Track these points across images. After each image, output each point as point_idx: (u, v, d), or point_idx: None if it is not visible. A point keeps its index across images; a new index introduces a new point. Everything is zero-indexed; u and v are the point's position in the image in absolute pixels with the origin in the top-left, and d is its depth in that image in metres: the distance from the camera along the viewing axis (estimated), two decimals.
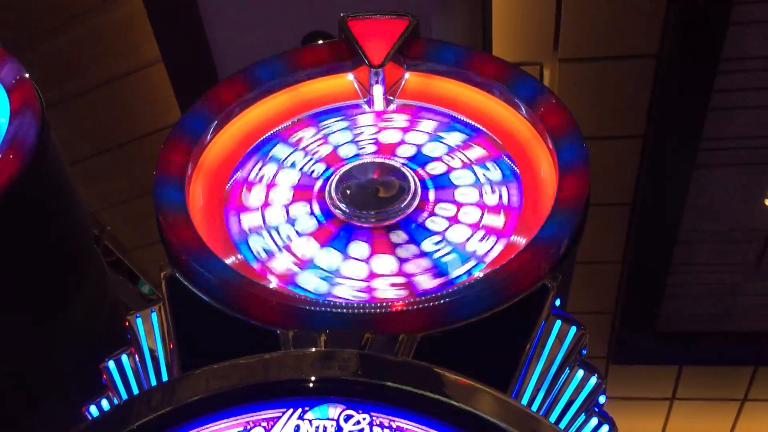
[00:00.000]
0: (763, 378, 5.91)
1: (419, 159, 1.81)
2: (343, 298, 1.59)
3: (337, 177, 1.75)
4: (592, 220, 1.67)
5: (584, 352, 1.50)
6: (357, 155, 1.83)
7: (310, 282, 1.62)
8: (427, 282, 1.61)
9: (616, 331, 5.56)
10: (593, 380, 1.46)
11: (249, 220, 1.74)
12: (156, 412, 1.39)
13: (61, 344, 2.07)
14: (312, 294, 1.59)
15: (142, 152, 4.60)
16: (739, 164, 4.57)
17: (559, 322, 1.48)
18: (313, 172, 1.81)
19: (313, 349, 1.44)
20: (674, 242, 4.87)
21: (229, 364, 1.42)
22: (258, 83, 1.91)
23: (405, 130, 1.88)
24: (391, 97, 1.91)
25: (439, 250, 1.66)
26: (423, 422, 1.36)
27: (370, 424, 1.36)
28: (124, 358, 1.56)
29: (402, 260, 1.65)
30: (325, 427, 1.36)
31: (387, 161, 1.78)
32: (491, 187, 1.74)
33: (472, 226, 1.69)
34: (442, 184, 1.76)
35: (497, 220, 1.69)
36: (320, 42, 2.00)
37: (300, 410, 1.38)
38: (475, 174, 1.77)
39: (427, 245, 1.66)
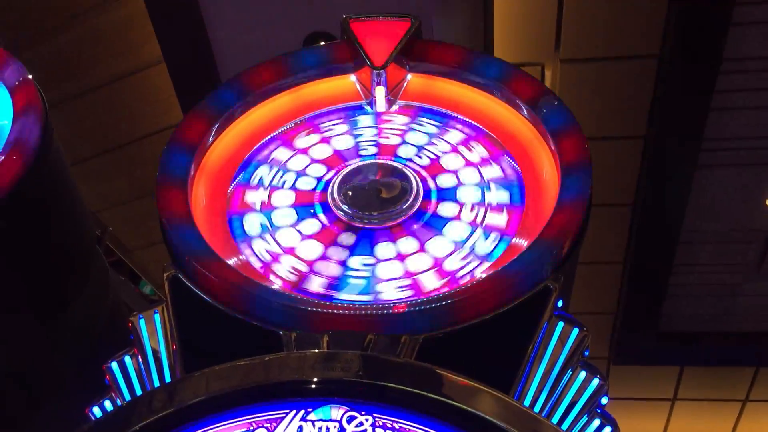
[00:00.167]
0: (764, 378, 5.91)
1: (421, 160, 1.81)
2: (347, 300, 1.59)
3: (340, 178, 1.75)
4: (593, 220, 1.67)
5: (587, 353, 1.50)
6: (359, 157, 1.83)
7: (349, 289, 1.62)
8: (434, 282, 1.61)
9: (618, 331, 5.57)
10: (595, 382, 1.46)
11: (252, 221, 1.74)
12: (158, 414, 1.39)
13: (62, 344, 2.07)
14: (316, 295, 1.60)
15: (142, 153, 4.60)
16: (740, 165, 4.57)
17: (561, 324, 1.48)
18: (315, 175, 1.81)
19: (316, 351, 1.44)
20: (675, 243, 4.88)
21: (232, 365, 1.42)
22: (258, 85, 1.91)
23: (407, 131, 1.88)
24: (393, 99, 1.92)
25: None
26: (425, 423, 1.36)
27: (373, 425, 1.36)
28: (127, 359, 1.56)
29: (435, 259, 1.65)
30: (328, 428, 1.36)
31: (389, 162, 1.79)
32: (494, 190, 1.74)
33: (474, 226, 1.69)
34: (446, 186, 1.76)
35: (500, 221, 1.69)
36: (322, 43, 2.00)
37: (303, 411, 1.38)
38: (480, 174, 1.77)
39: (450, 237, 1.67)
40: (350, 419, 1.37)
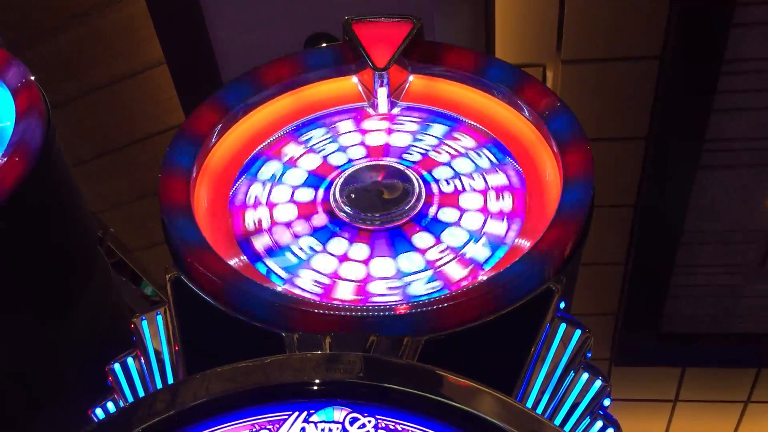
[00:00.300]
0: (766, 380, 5.91)
1: (423, 161, 1.81)
2: (346, 301, 1.59)
3: (341, 180, 1.75)
4: (595, 221, 1.67)
5: (589, 354, 1.50)
6: (360, 158, 1.83)
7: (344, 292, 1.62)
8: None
9: (619, 332, 5.57)
10: (598, 383, 1.46)
11: (263, 241, 1.72)
12: (161, 416, 1.39)
13: (64, 345, 2.07)
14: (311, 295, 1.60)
15: (143, 154, 4.60)
16: (741, 166, 4.57)
17: (563, 325, 1.48)
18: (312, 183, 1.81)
19: (318, 352, 1.44)
20: (676, 244, 4.88)
21: (234, 366, 1.41)
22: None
23: (409, 133, 1.88)
24: (395, 100, 1.92)
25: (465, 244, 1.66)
26: (427, 425, 1.36)
27: (375, 426, 1.36)
28: (130, 360, 1.56)
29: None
30: (330, 430, 1.36)
31: (391, 164, 1.78)
32: (496, 191, 1.74)
33: (476, 230, 1.69)
34: (447, 187, 1.76)
35: (502, 225, 1.69)
36: (324, 44, 2.00)
37: (305, 413, 1.38)
38: (481, 175, 1.77)
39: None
40: (353, 421, 1.37)
